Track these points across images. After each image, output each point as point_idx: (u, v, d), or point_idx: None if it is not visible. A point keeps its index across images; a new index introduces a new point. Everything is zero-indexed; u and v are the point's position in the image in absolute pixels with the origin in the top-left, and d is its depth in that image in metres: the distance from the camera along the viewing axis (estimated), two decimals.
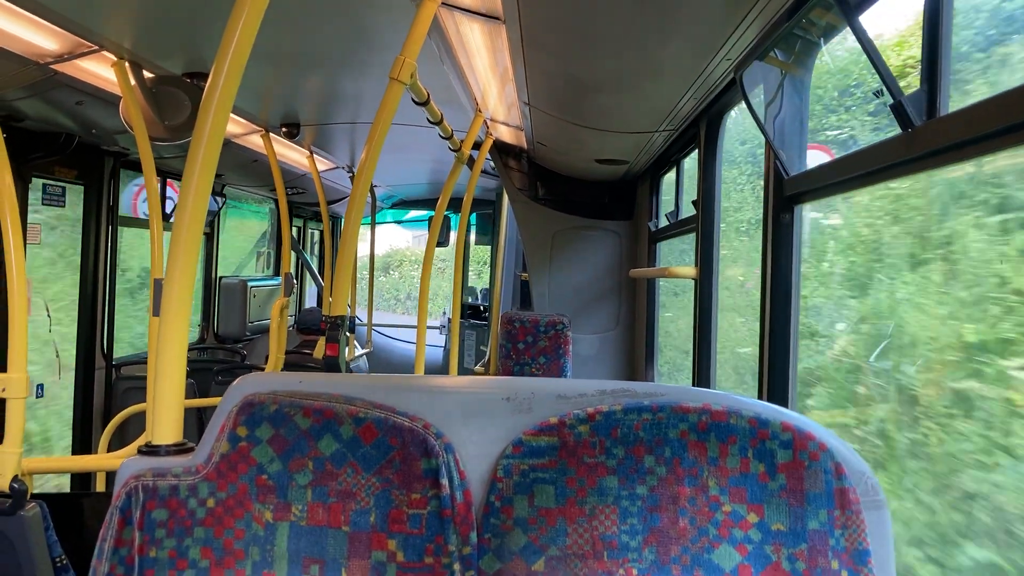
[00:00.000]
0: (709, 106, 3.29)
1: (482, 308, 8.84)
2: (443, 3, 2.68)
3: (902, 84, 1.65)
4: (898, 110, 1.62)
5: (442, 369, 9.18)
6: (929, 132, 1.57)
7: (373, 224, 8.12)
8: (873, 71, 1.70)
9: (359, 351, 7.69)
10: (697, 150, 3.58)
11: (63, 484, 5.43)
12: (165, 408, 1.46)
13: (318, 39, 3.26)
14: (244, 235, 9.39)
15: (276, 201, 6.76)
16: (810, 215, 3.63)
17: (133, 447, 3.50)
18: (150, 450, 1.44)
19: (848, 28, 1.81)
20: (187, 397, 4.13)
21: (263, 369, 5.47)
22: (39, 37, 3.04)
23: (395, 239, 20.60)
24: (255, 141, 5.24)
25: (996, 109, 1.36)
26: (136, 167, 5.21)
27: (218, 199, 7.18)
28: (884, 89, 1.68)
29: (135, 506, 1.35)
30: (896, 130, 1.68)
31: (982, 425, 2.36)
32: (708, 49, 2.53)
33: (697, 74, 2.81)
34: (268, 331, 6.00)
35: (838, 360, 3.38)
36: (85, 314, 5.30)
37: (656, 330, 5.12)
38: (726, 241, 4.58)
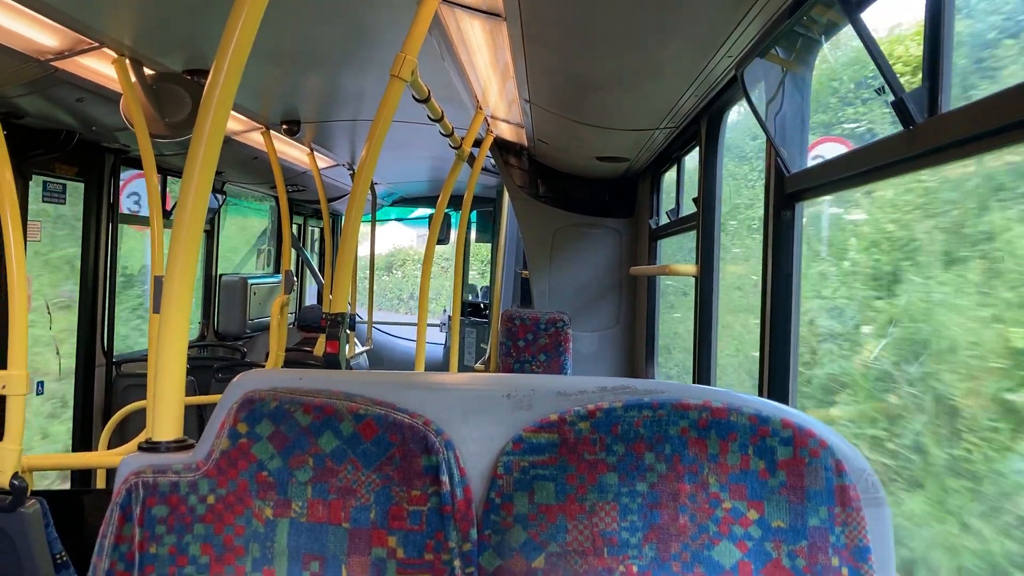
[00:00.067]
0: (710, 103, 3.29)
1: (482, 306, 8.84)
2: (444, 0, 2.68)
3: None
4: (899, 107, 1.62)
5: (442, 367, 9.18)
6: (930, 129, 1.57)
7: (373, 222, 8.12)
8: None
9: (359, 349, 7.69)
10: (698, 148, 3.58)
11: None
12: (165, 405, 1.46)
13: (319, 36, 3.26)
14: (244, 233, 9.39)
15: (276, 198, 6.76)
16: (829, 210, 3.53)
17: (133, 444, 3.50)
18: (150, 447, 1.44)
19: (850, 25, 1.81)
20: (187, 394, 4.13)
21: (263, 366, 5.47)
22: (40, 34, 3.04)
23: (398, 238, 20.53)
24: (255, 138, 5.24)
25: (997, 106, 1.36)
26: (136, 164, 5.22)
27: (218, 196, 7.18)
28: (886, 86, 1.67)
29: (135, 502, 1.35)
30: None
31: None
32: (709, 46, 2.52)
33: (698, 71, 2.81)
34: (268, 329, 6.01)
35: (866, 366, 3.17)
36: (85, 311, 5.30)
37: (656, 328, 5.12)
38: (738, 239, 4.54)
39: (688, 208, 3.94)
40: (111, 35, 3.12)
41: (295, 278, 8.99)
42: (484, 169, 5.96)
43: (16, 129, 4.14)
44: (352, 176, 6.85)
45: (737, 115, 3.50)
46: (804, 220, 2.54)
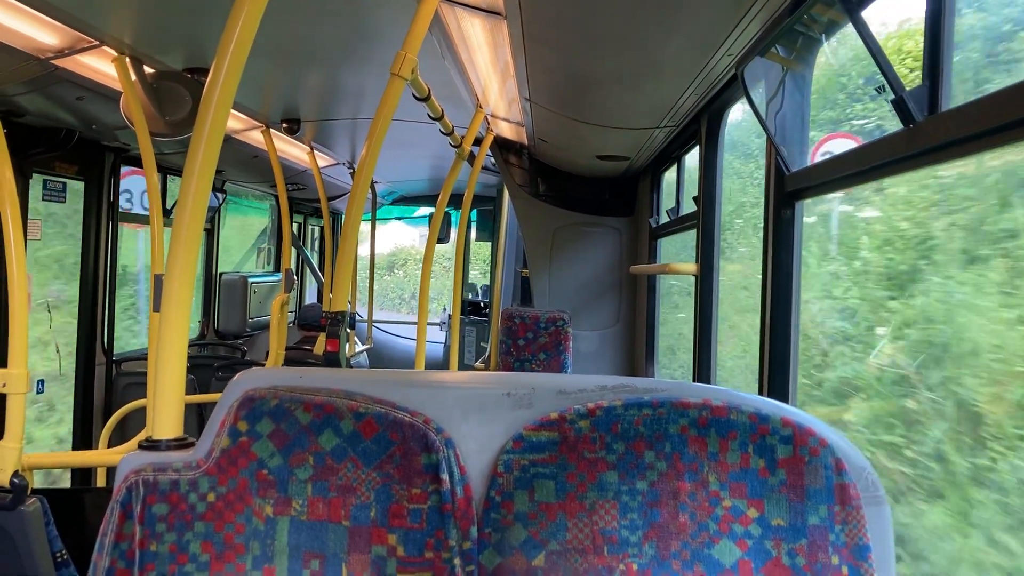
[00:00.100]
0: (710, 102, 3.29)
1: (482, 304, 8.84)
2: None
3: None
4: (899, 105, 1.61)
5: (442, 365, 9.18)
6: (930, 128, 1.57)
7: (373, 220, 8.12)
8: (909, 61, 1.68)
9: (359, 347, 7.69)
10: (698, 146, 3.58)
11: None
12: (166, 403, 1.46)
13: (319, 35, 3.25)
14: (245, 231, 9.38)
15: (276, 197, 6.76)
16: (839, 208, 3.43)
17: (134, 443, 3.50)
18: (151, 445, 1.44)
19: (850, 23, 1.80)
20: (187, 393, 4.13)
21: (264, 365, 5.47)
22: (39, 32, 3.04)
23: (400, 237, 20.48)
24: (256, 137, 5.24)
25: (997, 105, 1.36)
26: (136, 163, 5.21)
27: (218, 195, 7.18)
28: (886, 84, 1.67)
29: (136, 500, 1.35)
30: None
31: None
32: (709, 45, 2.52)
33: (698, 70, 2.80)
34: (268, 327, 6.01)
35: (882, 369, 3.02)
36: (85, 310, 5.30)
37: (657, 327, 5.13)
38: (744, 238, 4.50)
39: (688, 207, 3.94)
40: (111, 33, 3.12)
41: (295, 277, 9.00)
42: (484, 168, 5.96)
43: (16, 127, 4.14)
44: (352, 175, 6.85)
45: (742, 113, 3.48)
46: (813, 219, 2.52)
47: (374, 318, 8.41)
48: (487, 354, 6.58)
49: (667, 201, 4.80)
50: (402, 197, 10.27)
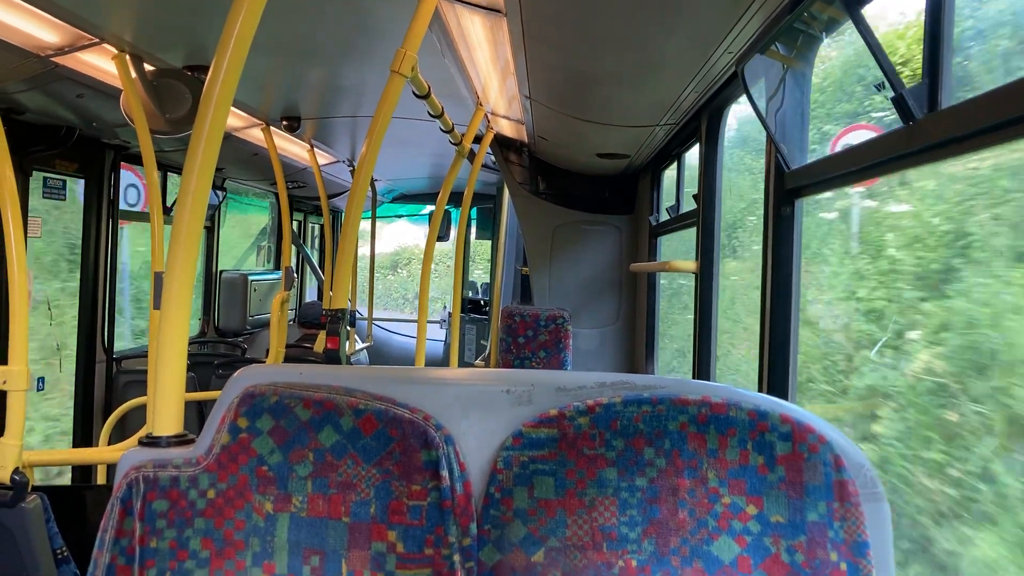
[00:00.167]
0: (710, 100, 3.29)
1: (482, 302, 8.84)
2: None
3: None
4: (899, 103, 1.62)
5: (443, 363, 9.19)
6: (930, 125, 1.57)
7: (374, 218, 8.12)
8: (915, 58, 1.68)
9: (360, 345, 7.69)
10: (698, 144, 3.58)
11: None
12: (166, 400, 1.47)
13: (319, 32, 3.25)
14: (245, 229, 9.38)
15: (277, 195, 6.77)
16: (862, 204, 3.29)
17: (134, 440, 3.50)
18: (151, 441, 1.44)
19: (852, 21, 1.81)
20: (188, 390, 4.12)
21: (264, 363, 5.47)
22: (40, 30, 3.04)
23: (403, 237, 20.40)
24: (256, 135, 5.24)
25: (997, 103, 1.36)
26: (137, 160, 5.22)
27: (218, 193, 7.18)
28: (886, 82, 1.67)
29: (136, 497, 1.35)
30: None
31: None
32: (709, 43, 2.52)
33: (698, 68, 2.80)
34: (269, 325, 6.01)
35: (917, 377, 2.78)
36: (86, 307, 5.31)
37: (657, 325, 5.13)
38: (757, 236, 4.46)
39: (689, 205, 3.94)
40: (111, 31, 3.12)
41: (295, 275, 9.00)
42: (484, 166, 5.97)
43: (16, 125, 4.14)
44: (352, 172, 6.85)
45: (750, 109, 3.47)
46: (834, 215, 2.48)
47: (375, 317, 8.41)
48: (487, 352, 6.58)
49: (667, 199, 4.80)
50: (402, 195, 10.27)
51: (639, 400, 1.38)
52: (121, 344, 6.29)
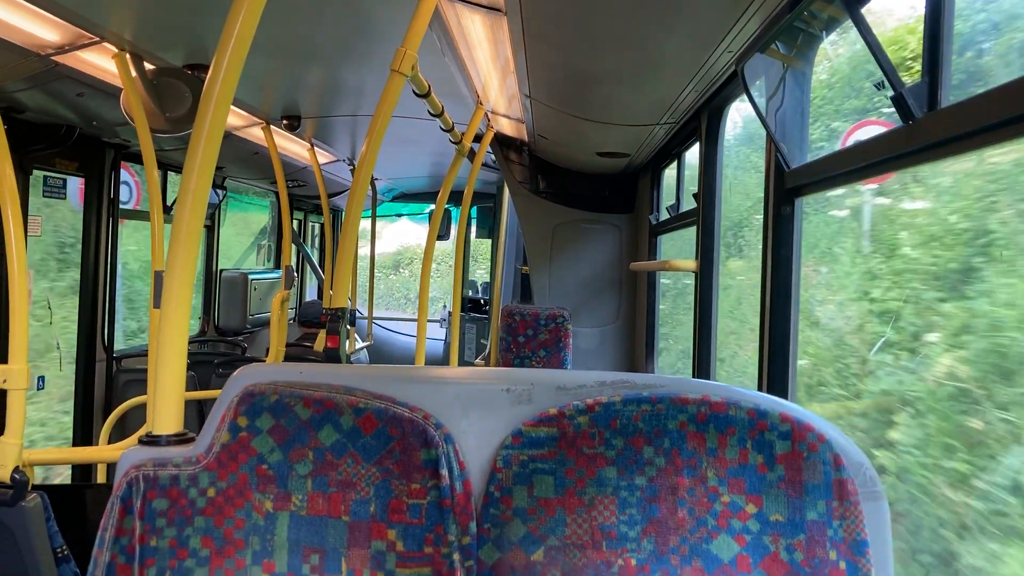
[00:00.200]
0: (710, 99, 3.29)
1: (482, 301, 8.84)
2: None
3: None
4: (899, 102, 1.62)
5: (443, 362, 9.19)
6: (930, 124, 1.57)
7: (374, 217, 8.12)
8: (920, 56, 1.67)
9: (360, 344, 7.69)
10: (698, 143, 3.58)
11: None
12: (166, 398, 1.47)
13: (319, 31, 3.26)
14: (245, 228, 9.38)
15: (277, 194, 6.78)
16: (874, 201, 3.17)
17: (134, 439, 3.51)
18: (151, 440, 1.44)
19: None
20: (188, 389, 4.12)
21: (264, 361, 5.47)
22: (40, 28, 3.04)
23: (406, 236, 20.29)
24: (256, 133, 5.24)
25: (996, 101, 1.36)
26: (137, 159, 5.22)
27: (219, 192, 7.19)
28: (885, 81, 1.67)
29: (136, 495, 1.35)
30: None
31: None
32: (709, 42, 2.52)
33: (698, 67, 2.80)
34: (269, 324, 6.01)
35: (938, 382, 2.63)
36: (86, 306, 5.31)
37: (657, 324, 5.13)
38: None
39: (689, 204, 3.94)
40: (112, 30, 3.12)
41: (295, 274, 9.00)
42: (484, 164, 5.96)
43: (17, 124, 4.14)
44: (352, 171, 6.85)
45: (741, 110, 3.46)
46: (845, 212, 2.44)
47: (375, 316, 8.41)
48: (487, 351, 6.58)
49: (667, 198, 4.80)
50: (402, 194, 10.27)
51: (639, 399, 1.38)
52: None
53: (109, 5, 2.91)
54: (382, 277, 18.75)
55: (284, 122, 4.95)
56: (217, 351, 7.04)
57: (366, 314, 8.31)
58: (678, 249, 4.98)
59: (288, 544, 1.36)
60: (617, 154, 4.66)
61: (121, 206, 5.59)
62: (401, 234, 19.47)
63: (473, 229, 9.73)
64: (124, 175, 6.29)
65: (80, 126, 4.45)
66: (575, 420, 1.38)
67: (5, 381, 2.48)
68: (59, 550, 2.52)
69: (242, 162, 6.25)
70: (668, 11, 2.34)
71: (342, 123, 5.37)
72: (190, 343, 6.84)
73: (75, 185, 5.39)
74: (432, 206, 10.86)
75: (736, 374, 4.20)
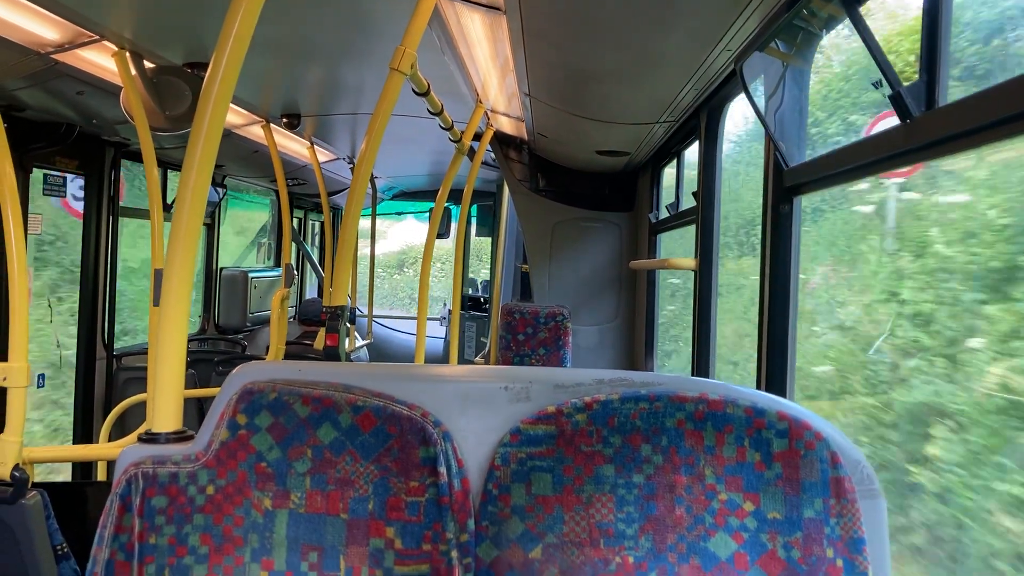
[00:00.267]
0: (709, 97, 3.29)
1: (482, 300, 8.84)
2: None
3: None
4: (897, 101, 1.62)
5: (442, 361, 9.19)
6: (927, 123, 1.58)
7: (374, 216, 8.13)
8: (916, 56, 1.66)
9: (360, 342, 7.70)
10: (698, 142, 3.58)
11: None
12: (165, 396, 1.47)
13: (319, 29, 3.26)
14: (245, 226, 9.38)
15: (277, 192, 6.78)
16: (901, 196, 2.97)
17: (134, 436, 3.51)
18: (150, 438, 1.45)
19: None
20: (188, 387, 4.12)
21: (264, 360, 5.48)
22: (40, 27, 3.04)
23: (410, 235, 20.19)
24: (256, 132, 5.24)
25: (993, 100, 1.36)
26: (137, 157, 5.22)
27: (219, 190, 7.19)
28: (883, 80, 1.68)
29: (135, 493, 1.35)
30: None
31: None
32: (708, 40, 2.53)
33: (697, 65, 2.81)
34: (269, 322, 6.01)
35: (986, 393, 2.38)
36: (86, 304, 5.31)
37: (656, 322, 5.13)
38: None
39: (688, 202, 3.94)
40: (111, 28, 3.12)
41: (295, 272, 9.01)
42: (484, 163, 5.96)
43: (17, 122, 4.14)
44: (352, 170, 6.85)
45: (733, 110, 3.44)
46: (870, 208, 2.39)
47: (376, 314, 8.41)
48: (487, 349, 6.58)
49: (667, 196, 4.80)
50: (402, 192, 10.27)
51: (636, 397, 1.39)
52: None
53: (109, 3, 2.91)
54: (386, 277, 18.72)
55: (284, 120, 4.95)
56: (217, 349, 7.04)
57: (366, 312, 8.31)
58: (685, 248, 4.98)
59: (287, 542, 1.37)
60: (617, 152, 4.66)
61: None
62: (406, 233, 19.43)
63: (473, 227, 9.73)
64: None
65: (80, 124, 4.45)
66: (573, 418, 1.39)
67: (5, 379, 2.49)
68: (59, 548, 2.52)
69: (242, 160, 6.25)
70: (667, 9, 2.34)
71: (342, 121, 5.37)
72: (190, 341, 6.87)
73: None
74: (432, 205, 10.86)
75: (751, 381, 4.07)
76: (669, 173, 4.77)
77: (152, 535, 1.35)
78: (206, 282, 7.38)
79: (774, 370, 2.54)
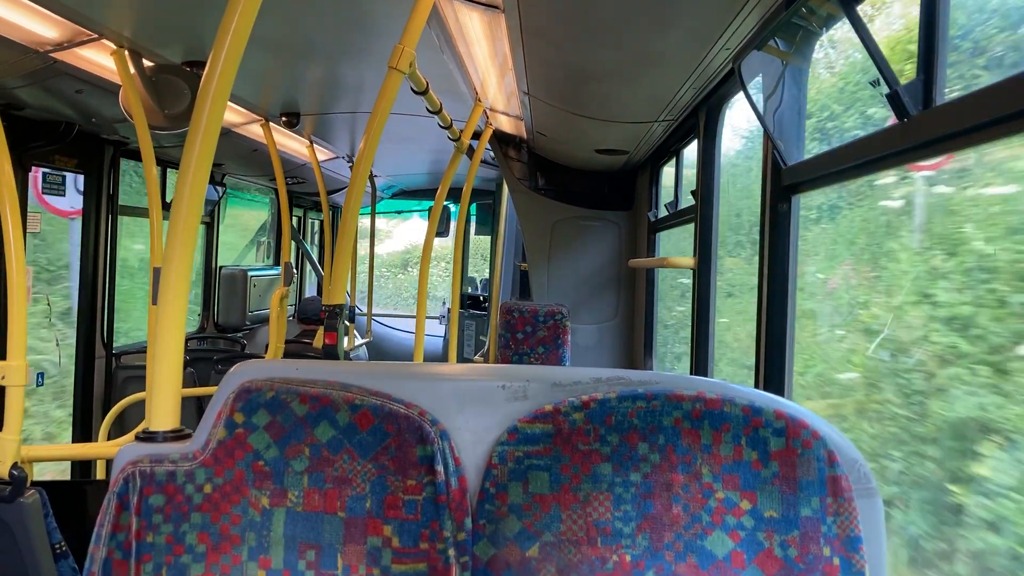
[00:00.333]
0: (708, 96, 3.29)
1: (481, 298, 8.85)
2: None
3: None
4: (894, 99, 1.62)
5: (442, 359, 9.19)
6: (925, 122, 1.58)
7: (373, 214, 8.13)
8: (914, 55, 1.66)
9: (359, 341, 7.70)
10: (697, 140, 3.58)
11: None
12: (163, 394, 1.47)
13: (317, 27, 3.26)
14: (244, 225, 9.38)
15: (276, 191, 6.77)
16: (932, 190, 2.77)
17: (132, 435, 3.51)
18: (147, 436, 1.45)
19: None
20: (187, 386, 4.12)
21: (263, 358, 5.48)
22: (39, 25, 3.04)
23: (416, 235, 20.06)
24: (255, 130, 5.24)
25: (990, 99, 1.36)
26: (136, 156, 5.22)
27: (218, 188, 7.19)
28: (881, 79, 1.68)
29: (132, 492, 1.36)
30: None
31: None
32: (707, 39, 2.52)
33: (696, 64, 2.81)
34: (268, 320, 6.01)
35: None
36: (85, 303, 5.31)
37: (655, 321, 5.13)
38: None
39: (687, 201, 3.94)
40: (110, 26, 3.12)
41: (295, 270, 9.01)
42: (484, 162, 5.96)
43: (16, 120, 4.14)
44: (352, 168, 6.84)
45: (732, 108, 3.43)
46: (899, 203, 2.34)
47: (375, 313, 8.41)
48: (486, 348, 6.59)
49: (666, 195, 4.80)
50: (402, 191, 10.27)
51: (634, 395, 1.39)
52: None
53: (108, 2, 2.91)
54: (390, 276, 18.70)
55: (283, 119, 4.95)
56: (216, 348, 7.04)
57: (366, 311, 8.32)
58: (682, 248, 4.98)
59: (284, 540, 1.37)
60: (616, 151, 4.66)
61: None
62: (411, 233, 19.37)
63: (473, 226, 9.73)
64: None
65: (79, 123, 4.45)
66: (570, 416, 1.39)
67: (3, 377, 2.49)
68: (57, 546, 2.52)
69: (241, 159, 6.25)
70: (666, 8, 2.34)
71: (341, 120, 5.37)
72: (190, 340, 6.87)
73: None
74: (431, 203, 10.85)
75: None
76: (668, 172, 4.77)
77: (149, 534, 1.35)
78: (205, 280, 7.38)
79: (772, 369, 2.54)
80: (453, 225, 9.48)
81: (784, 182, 2.46)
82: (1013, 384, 2.25)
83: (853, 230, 3.40)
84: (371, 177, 7.38)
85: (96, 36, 3.20)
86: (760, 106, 2.50)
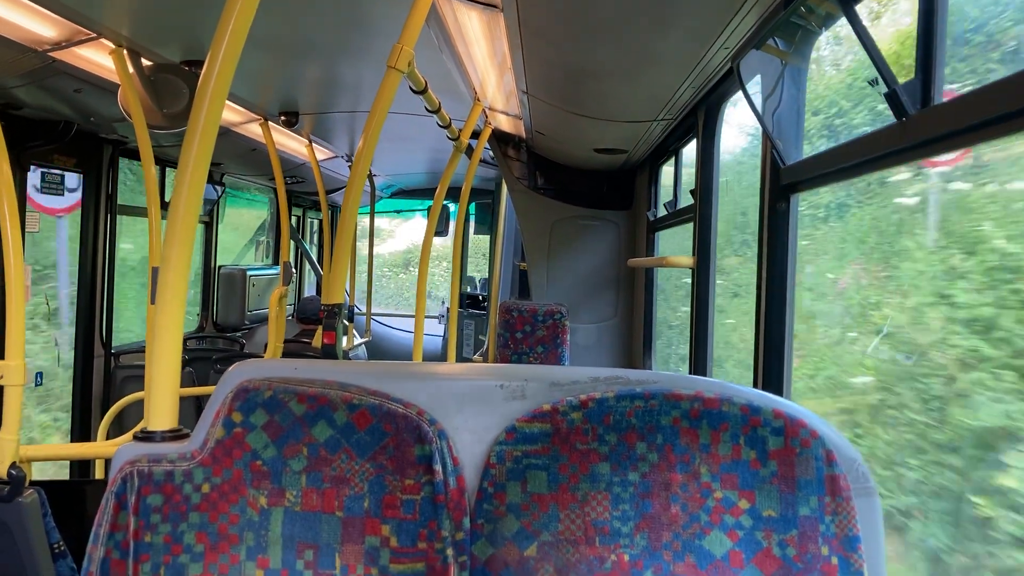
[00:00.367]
0: (707, 95, 3.29)
1: (481, 298, 8.85)
2: None
3: None
4: (892, 99, 1.62)
5: (441, 359, 9.19)
6: (923, 121, 1.58)
7: (372, 214, 8.13)
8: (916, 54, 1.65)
9: (358, 340, 7.70)
10: (695, 139, 3.58)
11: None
12: (161, 394, 1.47)
13: (316, 27, 3.25)
14: (243, 224, 9.37)
15: (275, 190, 6.77)
16: (949, 187, 2.65)
17: (130, 435, 3.51)
18: (145, 436, 1.45)
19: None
20: (186, 385, 4.12)
21: (262, 358, 5.47)
22: (37, 24, 3.04)
23: (417, 235, 20.01)
24: (254, 130, 5.24)
25: (989, 98, 1.36)
26: (135, 155, 5.22)
27: (217, 188, 7.19)
28: (879, 78, 1.68)
29: (130, 491, 1.35)
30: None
31: None
32: (706, 38, 2.52)
33: (695, 63, 2.81)
34: (267, 320, 6.02)
35: None
36: (84, 302, 5.31)
37: (654, 320, 5.13)
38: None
39: (686, 200, 3.94)
40: (109, 26, 3.12)
41: (294, 270, 9.01)
42: (483, 161, 5.96)
43: (14, 120, 4.14)
44: (350, 168, 6.84)
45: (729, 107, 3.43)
46: (914, 200, 2.32)
47: (374, 312, 8.41)
48: (485, 347, 6.59)
49: (665, 195, 4.80)
50: (401, 190, 10.27)
51: (632, 395, 1.39)
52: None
53: (106, 1, 2.91)
54: (392, 276, 18.70)
55: (282, 118, 4.95)
56: (215, 347, 7.04)
57: (365, 310, 8.31)
58: (682, 248, 4.96)
59: (282, 539, 1.37)
60: (615, 150, 4.66)
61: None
62: (413, 232, 19.36)
63: (472, 225, 9.73)
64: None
65: (78, 122, 4.45)
66: (568, 416, 1.39)
67: (2, 377, 2.49)
68: (56, 546, 2.52)
69: (240, 158, 6.25)
70: (665, 7, 2.34)
71: (340, 119, 5.37)
72: (189, 339, 6.86)
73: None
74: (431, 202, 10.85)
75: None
76: (667, 171, 4.77)
77: (147, 533, 1.35)
78: (204, 280, 7.38)
79: (771, 368, 2.54)
80: (453, 225, 9.47)
81: (783, 181, 2.46)
82: None
83: (863, 228, 3.36)
84: (370, 176, 7.38)
85: (95, 35, 3.19)
86: (759, 105, 2.50)
